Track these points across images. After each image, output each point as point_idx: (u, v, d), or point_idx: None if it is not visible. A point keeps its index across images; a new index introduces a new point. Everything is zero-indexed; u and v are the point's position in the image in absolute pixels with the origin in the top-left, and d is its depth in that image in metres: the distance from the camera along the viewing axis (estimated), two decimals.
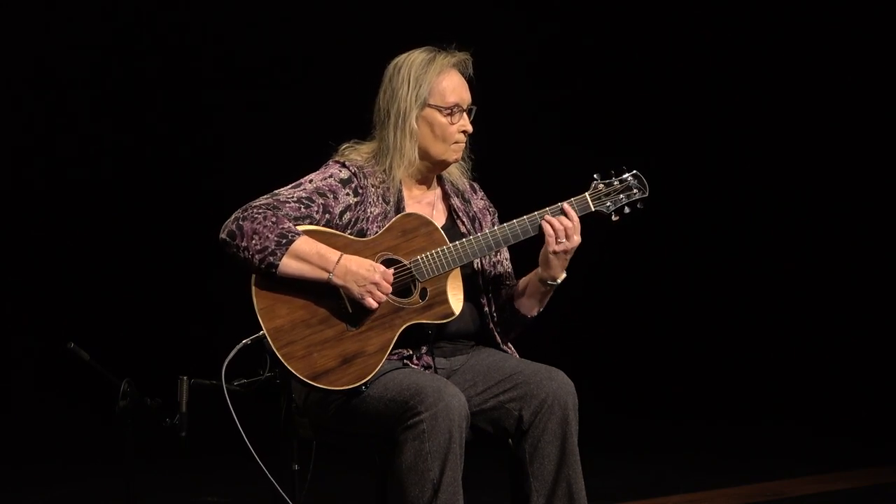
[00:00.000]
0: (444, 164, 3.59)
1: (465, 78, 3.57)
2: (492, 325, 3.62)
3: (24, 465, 6.04)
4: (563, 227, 3.47)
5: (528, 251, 3.57)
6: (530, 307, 3.60)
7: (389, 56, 3.59)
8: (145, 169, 6.82)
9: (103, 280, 6.78)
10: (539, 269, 3.55)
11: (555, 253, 3.48)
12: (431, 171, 3.61)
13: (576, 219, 3.48)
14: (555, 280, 3.54)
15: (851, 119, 7.06)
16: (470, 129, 3.56)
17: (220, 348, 3.43)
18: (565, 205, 3.49)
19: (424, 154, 3.55)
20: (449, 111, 3.53)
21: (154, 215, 6.81)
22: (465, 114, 3.55)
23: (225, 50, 6.85)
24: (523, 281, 3.61)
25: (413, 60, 3.54)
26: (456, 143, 3.55)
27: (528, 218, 3.49)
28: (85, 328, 6.36)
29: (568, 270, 3.54)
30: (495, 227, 3.52)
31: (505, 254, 3.68)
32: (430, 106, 3.52)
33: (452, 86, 3.53)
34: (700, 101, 7.16)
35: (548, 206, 3.49)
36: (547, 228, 3.47)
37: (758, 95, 7.16)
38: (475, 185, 3.73)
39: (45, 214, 6.70)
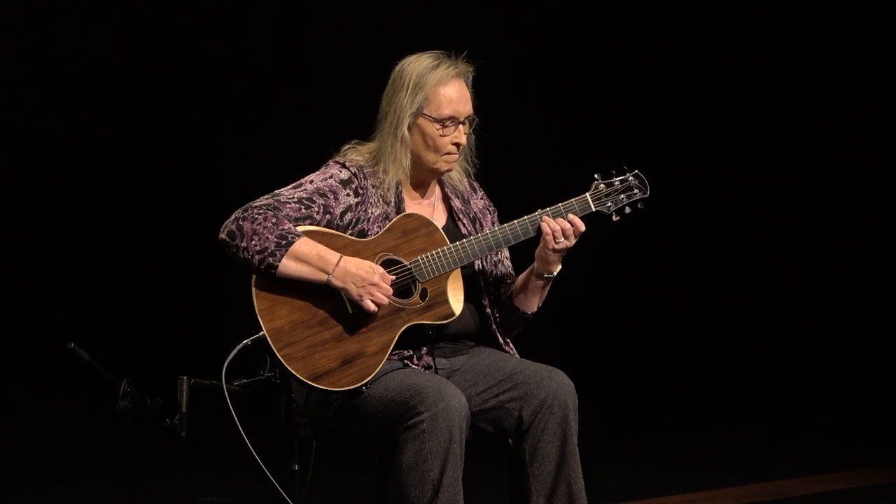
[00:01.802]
0: (437, 173, 3.58)
1: (468, 88, 3.54)
2: (494, 326, 3.62)
3: (24, 466, 6.04)
4: (560, 227, 3.46)
5: (529, 250, 3.57)
6: (530, 303, 3.60)
7: (390, 57, 3.59)
8: (146, 169, 6.82)
9: (103, 280, 6.77)
10: (535, 265, 3.55)
11: (554, 251, 3.49)
12: (427, 177, 3.60)
13: (580, 223, 3.48)
14: (551, 273, 3.54)
15: (850, 118, 7.06)
16: (463, 141, 3.53)
17: (221, 348, 3.43)
18: (566, 210, 3.48)
19: (417, 161, 3.55)
20: (442, 123, 3.51)
21: (154, 215, 6.81)
22: (460, 125, 3.52)
23: (228, 49, 6.84)
24: (520, 278, 3.61)
25: (417, 66, 3.53)
26: (448, 153, 3.54)
27: (528, 218, 3.50)
28: (85, 328, 6.36)
29: (569, 271, 3.54)
30: (496, 228, 3.52)
31: (505, 253, 3.68)
32: (424, 116, 3.51)
33: (449, 98, 3.50)
34: (701, 101, 7.16)
35: (548, 205, 3.49)
36: (546, 228, 3.46)
37: (758, 95, 7.15)
38: (475, 184, 3.73)
39: (46, 214, 6.70)
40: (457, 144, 3.53)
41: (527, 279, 3.58)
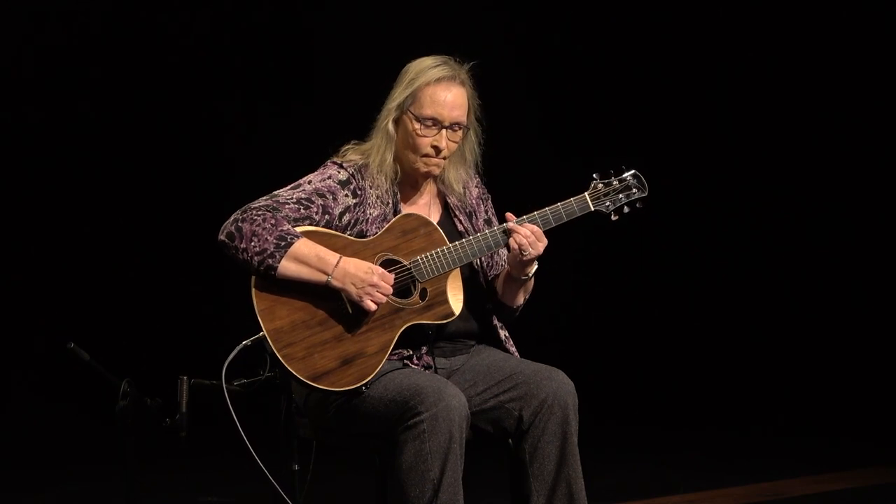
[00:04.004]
0: (418, 174, 3.56)
1: (464, 95, 3.52)
2: (496, 322, 3.62)
3: (24, 466, 6.04)
4: (526, 241, 3.45)
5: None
6: (515, 300, 3.61)
7: (392, 58, 3.59)
8: (146, 169, 6.82)
9: (103, 280, 6.78)
10: (510, 270, 3.55)
11: (522, 262, 3.49)
12: (413, 174, 3.58)
13: (537, 230, 3.47)
14: (528, 276, 3.54)
15: (850, 118, 7.06)
16: (442, 145, 3.50)
17: (221, 348, 3.43)
18: (564, 210, 3.48)
19: (399, 157, 3.54)
20: (422, 123, 3.49)
21: (154, 215, 6.81)
22: (444, 130, 3.50)
23: (229, 50, 6.85)
24: (501, 277, 3.61)
25: (420, 64, 3.53)
26: (426, 156, 3.52)
27: (526, 217, 3.50)
28: (85, 328, 6.36)
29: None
30: (494, 227, 3.52)
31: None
32: (408, 111, 3.51)
33: (434, 98, 3.49)
34: (701, 101, 7.16)
35: (547, 205, 3.49)
36: (513, 244, 3.46)
37: (758, 94, 7.15)
38: (471, 171, 3.70)
39: (46, 214, 6.70)
40: (436, 148, 3.51)
41: (506, 280, 3.59)
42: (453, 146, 3.54)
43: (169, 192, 6.83)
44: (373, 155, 3.54)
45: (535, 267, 3.54)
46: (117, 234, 6.78)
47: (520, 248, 3.45)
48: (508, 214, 3.51)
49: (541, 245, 3.47)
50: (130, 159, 6.80)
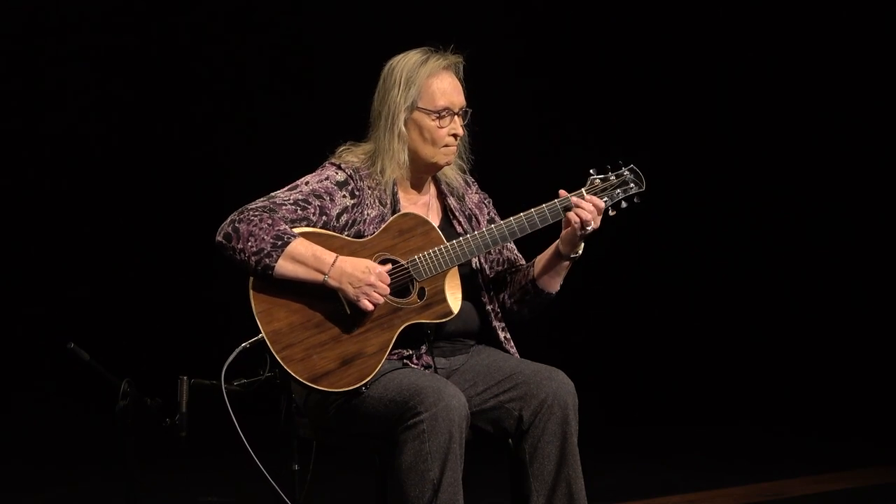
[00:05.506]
0: (436, 167, 3.58)
1: (458, 79, 3.56)
2: (495, 323, 3.62)
3: (24, 466, 6.04)
4: (590, 215, 3.45)
5: (531, 241, 3.57)
6: (554, 284, 3.59)
7: (386, 57, 3.59)
8: (146, 169, 6.82)
9: (103, 280, 6.77)
10: (560, 248, 3.52)
11: (581, 237, 3.48)
12: (424, 173, 3.60)
13: (598, 202, 3.47)
14: (577, 254, 3.54)
15: (850, 118, 7.06)
16: (460, 132, 3.54)
17: (221, 349, 3.43)
18: (575, 198, 3.48)
19: (414, 156, 3.55)
20: (438, 115, 3.51)
21: (154, 215, 6.81)
22: (455, 117, 3.53)
23: (225, 51, 6.85)
24: (543, 260, 3.59)
25: (406, 62, 3.54)
26: (446, 146, 3.54)
27: (524, 215, 3.49)
28: (85, 328, 6.35)
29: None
30: (492, 226, 3.51)
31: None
32: (419, 109, 3.52)
33: (443, 89, 3.51)
34: (699, 98, 7.16)
35: (544, 202, 3.49)
36: (574, 218, 3.45)
37: (758, 94, 7.15)
38: (469, 179, 3.72)
39: (46, 214, 6.70)
40: (454, 135, 3.54)
41: (551, 261, 3.57)
42: (462, 129, 3.55)
43: (168, 193, 6.83)
44: (384, 161, 3.53)
45: (583, 245, 3.53)
46: (117, 234, 6.78)
47: (582, 223, 3.45)
48: (562, 192, 3.49)
49: (599, 219, 3.47)
50: (130, 160, 6.80)
